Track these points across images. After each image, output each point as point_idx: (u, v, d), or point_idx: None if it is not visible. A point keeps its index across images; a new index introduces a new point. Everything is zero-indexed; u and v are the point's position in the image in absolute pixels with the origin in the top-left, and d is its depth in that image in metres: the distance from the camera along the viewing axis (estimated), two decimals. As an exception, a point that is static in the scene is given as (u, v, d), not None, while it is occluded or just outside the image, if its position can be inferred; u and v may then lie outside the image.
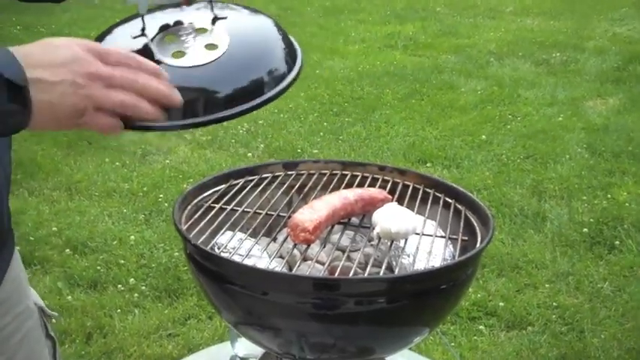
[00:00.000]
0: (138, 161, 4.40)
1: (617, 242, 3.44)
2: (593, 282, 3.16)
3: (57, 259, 3.27)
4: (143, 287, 3.08)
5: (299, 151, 4.54)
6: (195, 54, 0.94)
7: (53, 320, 1.22)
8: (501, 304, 2.97)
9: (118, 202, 3.85)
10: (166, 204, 3.78)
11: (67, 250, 3.34)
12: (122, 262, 3.25)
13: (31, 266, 3.20)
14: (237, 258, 1.10)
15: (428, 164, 4.36)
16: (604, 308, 2.97)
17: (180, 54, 0.95)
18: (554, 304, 3.00)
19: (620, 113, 5.26)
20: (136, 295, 3.02)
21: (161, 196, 3.88)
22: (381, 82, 5.95)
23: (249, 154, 4.51)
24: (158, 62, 0.92)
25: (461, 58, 6.69)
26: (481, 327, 2.85)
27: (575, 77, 6.11)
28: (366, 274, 1.08)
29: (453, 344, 2.71)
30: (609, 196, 3.93)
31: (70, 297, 3.00)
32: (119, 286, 3.08)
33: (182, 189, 3.97)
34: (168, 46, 0.96)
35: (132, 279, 3.12)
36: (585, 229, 3.54)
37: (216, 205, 1.27)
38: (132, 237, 3.46)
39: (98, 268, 3.20)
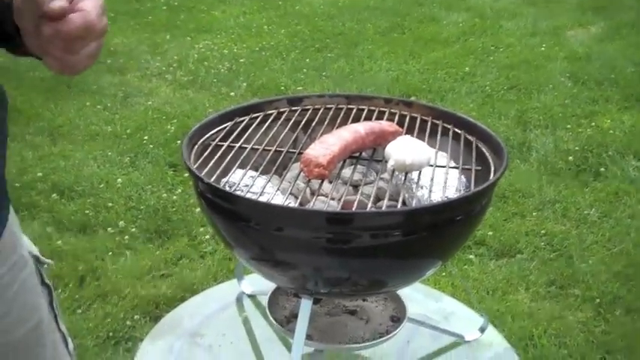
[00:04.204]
0: (119, 103, 4.32)
1: (602, 169, 3.48)
2: (579, 209, 3.19)
3: (44, 205, 3.23)
4: (133, 229, 3.06)
5: (282, 88, 4.49)
6: None
7: (46, 266, 1.18)
8: (490, 233, 3.00)
9: (102, 145, 3.79)
10: (151, 145, 3.74)
11: (54, 194, 3.30)
12: (110, 205, 3.22)
13: (19, 212, 3.14)
14: (250, 196, 1.10)
15: (412, 98, 4.33)
16: (591, 234, 3.02)
17: None
18: (542, 231, 3.04)
19: (602, 41, 5.25)
20: (126, 237, 3.00)
21: (145, 137, 3.83)
22: (361, 17, 5.86)
23: (232, 94, 4.45)
24: None
25: (441, -10, 6.58)
26: (471, 256, 2.88)
27: (556, 6, 6.05)
28: (383, 208, 1.08)
29: (444, 274, 2.74)
30: (593, 123, 3.94)
31: (59, 242, 2.97)
32: (109, 229, 3.05)
33: (166, 130, 3.94)
34: None
35: (121, 221, 3.10)
36: (570, 157, 3.57)
37: (223, 143, 1.25)
38: (118, 180, 3.43)
39: (86, 212, 3.17)
